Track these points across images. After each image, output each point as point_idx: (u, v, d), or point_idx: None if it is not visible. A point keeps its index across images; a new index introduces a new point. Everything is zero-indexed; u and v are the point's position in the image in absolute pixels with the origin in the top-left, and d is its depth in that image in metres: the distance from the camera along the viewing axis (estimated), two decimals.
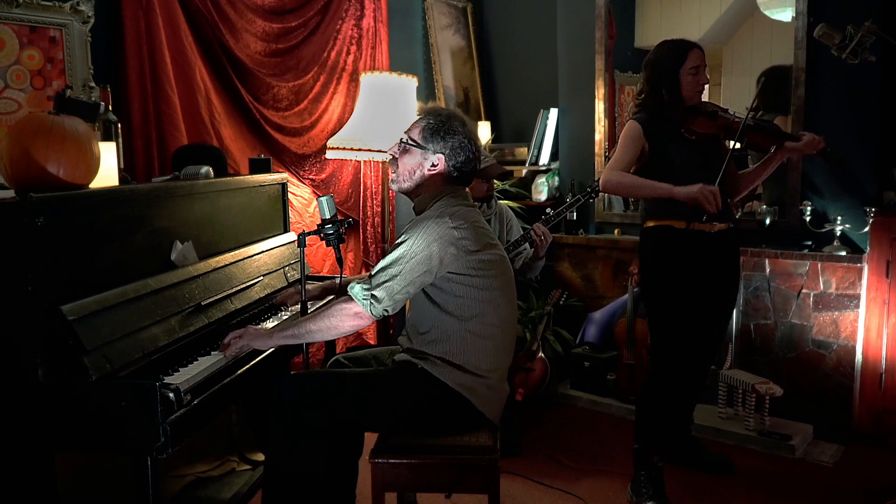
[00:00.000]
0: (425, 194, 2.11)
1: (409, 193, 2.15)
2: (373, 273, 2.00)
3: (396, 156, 2.12)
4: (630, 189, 2.75)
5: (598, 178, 3.14)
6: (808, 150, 2.67)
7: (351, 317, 1.98)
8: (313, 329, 2.01)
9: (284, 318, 2.50)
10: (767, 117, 3.47)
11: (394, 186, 2.17)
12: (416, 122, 2.13)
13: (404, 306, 2.21)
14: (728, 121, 2.66)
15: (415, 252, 1.95)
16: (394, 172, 2.14)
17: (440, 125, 2.07)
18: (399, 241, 2.00)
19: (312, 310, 2.31)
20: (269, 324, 2.42)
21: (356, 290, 1.98)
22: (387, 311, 1.97)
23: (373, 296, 1.95)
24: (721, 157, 2.69)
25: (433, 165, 2.08)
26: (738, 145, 2.68)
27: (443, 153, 2.07)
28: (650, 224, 2.72)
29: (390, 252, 2.00)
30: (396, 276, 1.95)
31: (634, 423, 2.82)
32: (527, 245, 3.08)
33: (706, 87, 2.73)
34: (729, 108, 2.74)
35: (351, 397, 2.01)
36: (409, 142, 2.09)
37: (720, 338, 2.92)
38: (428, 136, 2.07)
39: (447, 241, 1.96)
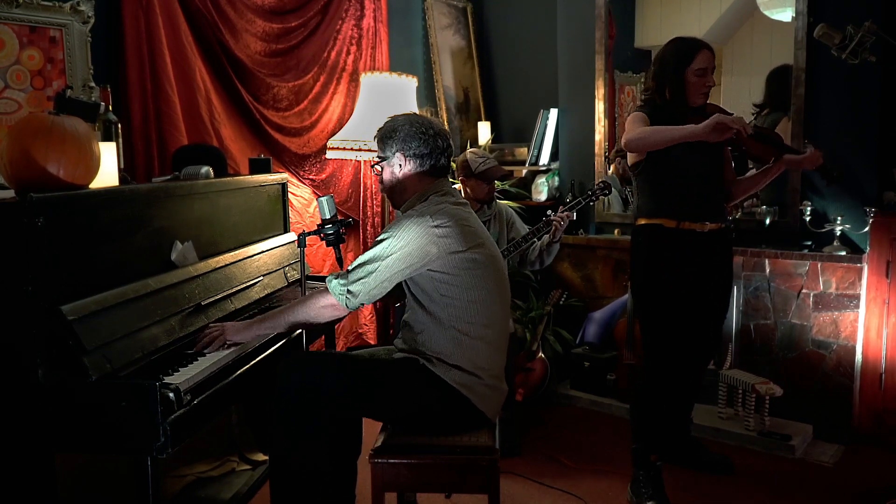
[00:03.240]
0: (412, 198, 2.15)
1: (399, 203, 2.20)
2: (350, 268, 2.02)
3: (378, 177, 2.23)
4: (652, 137, 2.57)
5: (601, 181, 3.15)
6: (807, 166, 2.72)
7: (327, 307, 2.04)
8: (291, 320, 2.08)
9: None
10: (773, 116, 3.48)
11: (392, 205, 2.26)
12: (376, 142, 2.22)
13: (402, 307, 2.22)
14: None
15: (393, 249, 1.98)
16: (382, 189, 2.25)
17: (386, 130, 2.18)
18: (380, 237, 2.03)
19: None
20: None
21: (333, 284, 2.02)
22: (363, 303, 2.03)
23: (348, 290, 2.00)
24: (720, 157, 2.69)
25: (400, 167, 2.15)
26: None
27: (398, 151, 2.14)
28: (641, 222, 2.73)
29: (371, 248, 2.03)
30: (373, 272, 1.98)
31: (631, 423, 2.82)
32: (545, 236, 3.09)
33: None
34: (734, 115, 2.73)
35: (353, 387, 2.01)
36: (377, 161, 2.20)
37: (716, 337, 2.92)
38: (382, 146, 2.17)
39: (427, 240, 1.98)
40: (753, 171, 2.91)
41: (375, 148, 2.22)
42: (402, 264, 1.98)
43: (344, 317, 2.21)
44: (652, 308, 2.73)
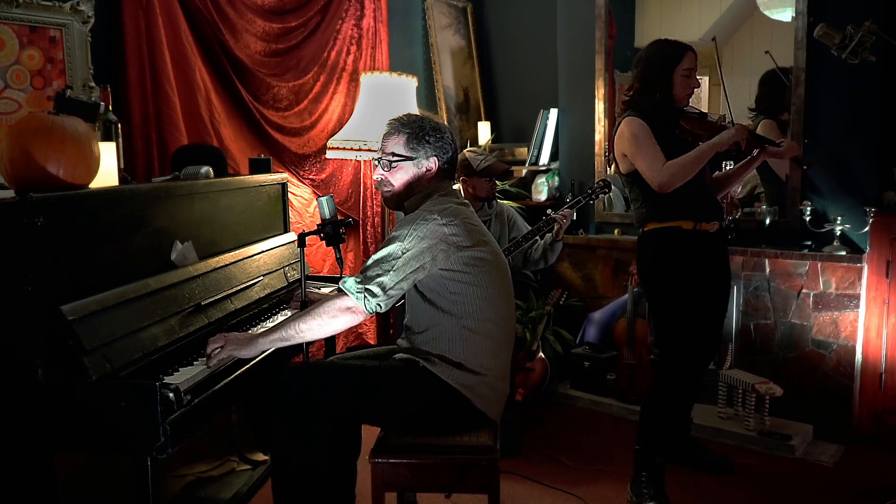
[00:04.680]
0: (416, 196, 2.12)
1: (402, 202, 2.15)
2: (364, 268, 1.99)
3: (385, 177, 2.12)
4: (689, 166, 2.55)
5: (600, 180, 3.15)
6: (787, 155, 2.77)
7: (343, 311, 1.96)
8: (304, 328, 1.96)
9: (279, 320, 2.47)
10: (757, 121, 3.52)
11: (390, 205, 2.18)
12: (389, 137, 2.12)
13: (402, 306, 2.22)
14: (714, 124, 2.68)
15: (406, 248, 1.95)
16: (387, 190, 2.14)
17: (420, 131, 2.09)
18: (390, 238, 2.01)
19: None
20: (269, 324, 2.41)
21: (349, 283, 1.97)
22: (380, 306, 1.96)
23: (367, 290, 1.94)
24: (714, 158, 2.70)
25: (427, 170, 2.11)
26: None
27: (434, 155, 2.10)
28: (651, 227, 2.69)
29: (381, 248, 2.00)
30: (389, 271, 1.94)
31: (638, 425, 2.81)
32: (548, 234, 3.11)
33: (698, 89, 2.74)
34: (711, 115, 2.80)
35: (352, 392, 2.00)
36: (396, 159, 2.10)
37: (719, 336, 2.92)
38: (415, 146, 2.09)
39: (437, 238, 1.97)
40: (733, 167, 2.97)
41: (392, 144, 2.10)
42: (416, 263, 1.95)
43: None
44: (669, 313, 2.71)
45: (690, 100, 2.72)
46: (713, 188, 2.83)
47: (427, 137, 2.08)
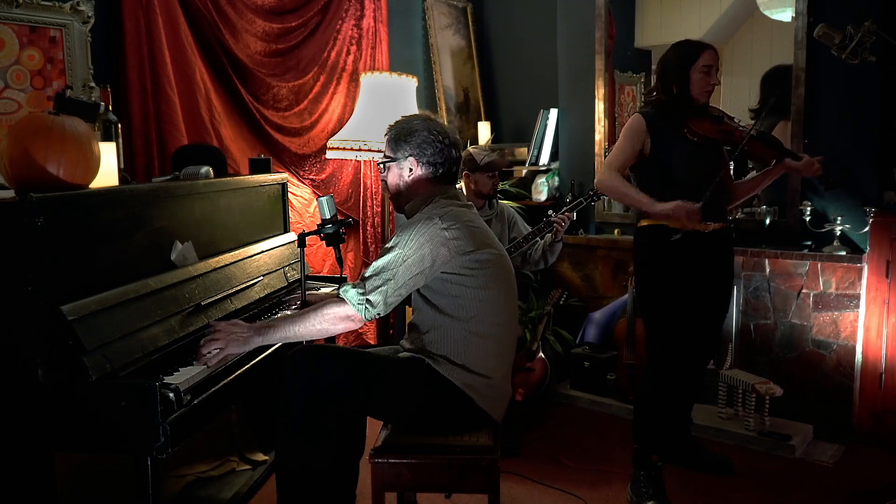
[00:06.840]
0: (416, 200, 2.14)
1: (402, 205, 2.18)
2: (365, 276, 2.00)
3: (384, 177, 2.19)
4: (616, 194, 2.69)
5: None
6: (806, 173, 2.75)
7: (342, 319, 1.99)
8: (302, 332, 2.00)
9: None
10: (770, 120, 3.48)
11: (395, 207, 2.23)
12: (384, 138, 2.18)
13: (405, 309, 2.22)
14: (732, 128, 2.66)
15: (406, 255, 1.96)
16: (387, 191, 2.22)
17: (399, 131, 2.13)
18: (390, 244, 2.02)
19: None
20: None
21: (350, 293, 1.98)
22: (379, 313, 1.99)
23: (367, 300, 1.96)
24: (720, 161, 2.69)
25: (410, 171, 2.12)
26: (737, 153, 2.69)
27: (412, 155, 2.11)
28: (644, 223, 2.73)
29: (382, 255, 2.00)
30: (390, 280, 1.96)
31: (632, 424, 2.82)
32: (547, 235, 3.15)
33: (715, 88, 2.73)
34: (736, 118, 2.75)
35: (359, 381, 2.00)
36: (384, 160, 2.16)
37: (716, 337, 2.92)
38: (394, 146, 2.13)
39: (438, 243, 1.97)
40: (754, 174, 2.92)
41: (380, 146, 2.19)
42: (416, 269, 1.96)
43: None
44: (657, 309, 2.72)
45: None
46: (729, 193, 2.83)
47: (403, 137, 2.12)
